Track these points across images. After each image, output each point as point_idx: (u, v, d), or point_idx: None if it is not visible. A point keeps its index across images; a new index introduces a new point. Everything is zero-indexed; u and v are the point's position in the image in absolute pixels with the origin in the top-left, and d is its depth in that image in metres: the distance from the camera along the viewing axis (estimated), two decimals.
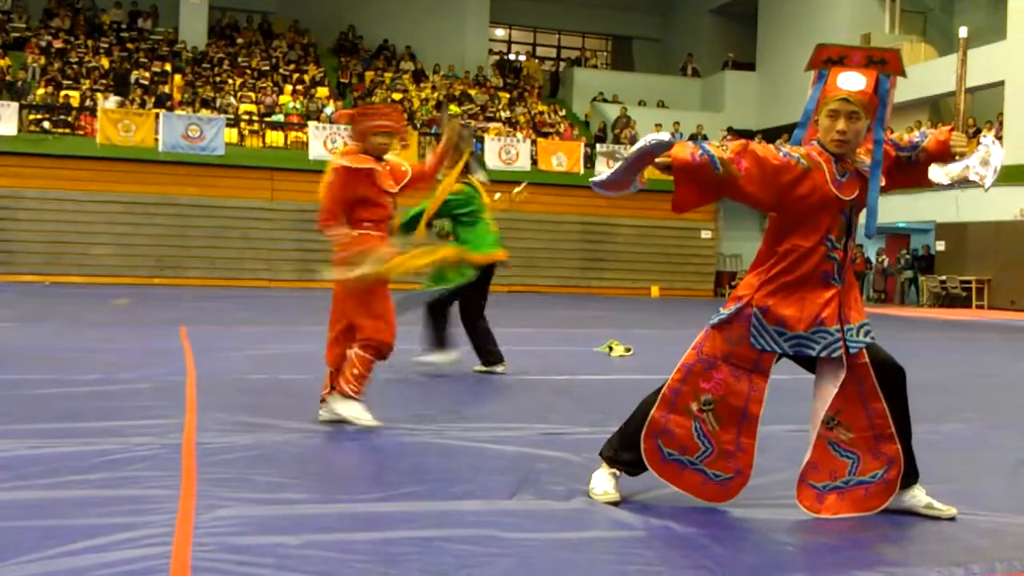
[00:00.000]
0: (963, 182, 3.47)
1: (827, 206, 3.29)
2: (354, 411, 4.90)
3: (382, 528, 3.18)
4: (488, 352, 7.35)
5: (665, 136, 3.18)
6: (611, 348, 9.19)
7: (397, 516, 3.31)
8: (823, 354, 3.34)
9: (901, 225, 26.83)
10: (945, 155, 3.47)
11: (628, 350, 9.14)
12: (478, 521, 3.25)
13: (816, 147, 3.34)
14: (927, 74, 25.59)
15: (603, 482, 3.56)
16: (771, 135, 28.50)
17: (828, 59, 3.40)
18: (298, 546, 2.94)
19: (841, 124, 3.27)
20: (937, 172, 3.45)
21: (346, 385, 4.89)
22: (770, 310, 3.33)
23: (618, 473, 3.58)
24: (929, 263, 25.28)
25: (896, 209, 25.34)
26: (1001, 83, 23.37)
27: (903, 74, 3.34)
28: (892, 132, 3.71)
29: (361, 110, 5.13)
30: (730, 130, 28.96)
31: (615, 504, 3.47)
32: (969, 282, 23.45)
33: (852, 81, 3.31)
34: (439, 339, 7.38)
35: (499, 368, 7.31)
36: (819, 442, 3.48)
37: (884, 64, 3.34)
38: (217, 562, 2.75)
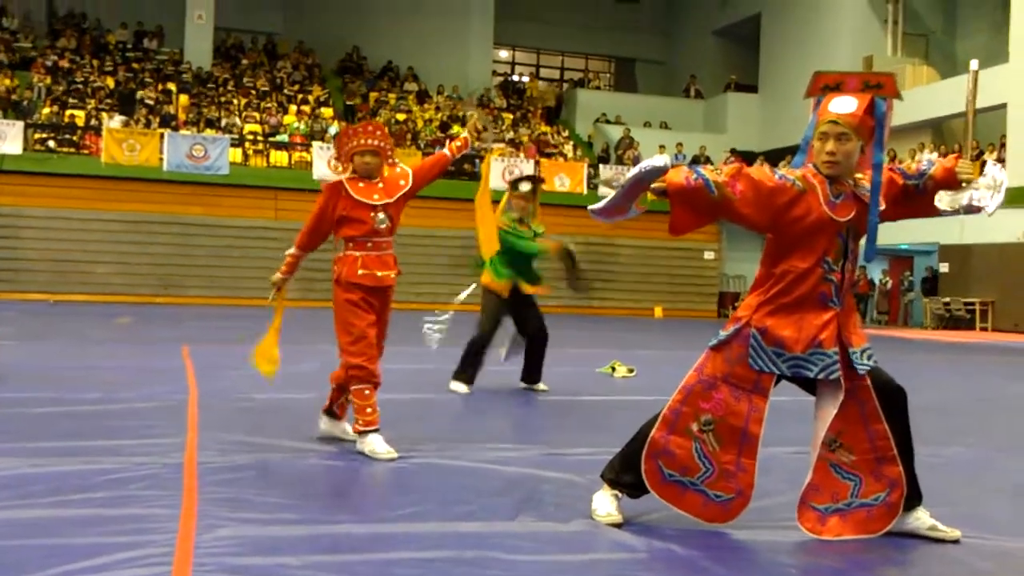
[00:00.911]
0: (969, 209, 3.49)
1: (823, 228, 3.32)
2: (371, 445, 4.70)
3: (383, 549, 3.17)
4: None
5: (660, 161, 3.23)
6: (614, 369, 9.18)
7: (398, 537, 3.30)
8: (820, 376, 3.35)
9: (904, 247, 26.83)
10: (952, 183, 3.51)
11: (631, 371, 9.13)
12: (479, 543, 3.24)
13: (811, 169, 3.39)
14: (930, 97, 25.69)
15: (605, 504, 3.55)
16: (773, 156, 28.56)
17: (825, 86, 3.47)
18: (299, 567, 2.93)
19: (830, 145, 3.33)
20: (944, 200, 3.48)
21: (356, 423, 4.78)
22: (768, 331, 3.34)
23: (620, 495, 3.57)
24: (933, 285, 25.27)
25: (900, 231, 25.32)
26: (1004, 106, 23.42)
27: (899, 96, 3.41)
28: (897, 160, 3.76)
29: (343, 131, 4.96)
30: (733, 151, 29.01)
31: (617, 526, 3.46)
32: (973, 304, 23.43)
33: (842, 104, 3.36)
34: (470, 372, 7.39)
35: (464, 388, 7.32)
36: (820, 464, 3.47)
37: (880, 88, 3.40)
38: None
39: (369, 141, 4.83)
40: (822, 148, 3.35)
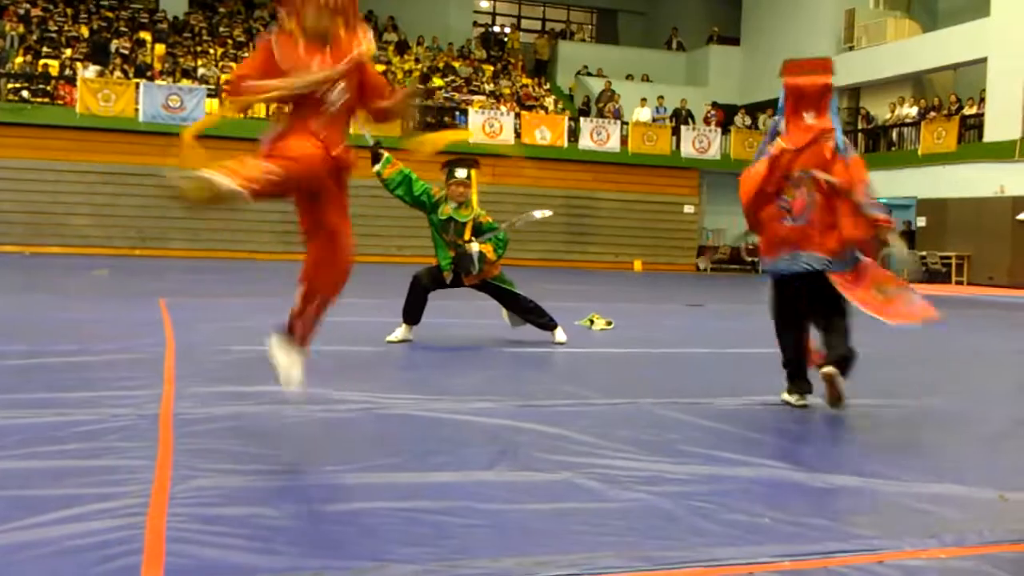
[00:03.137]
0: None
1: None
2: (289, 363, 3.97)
3: (359, 499, 3.18)
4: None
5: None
6: (592, 321, 9.21)
7: (374, 487, 3.31)
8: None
9: (882, 201, 26.89)
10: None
11: (609, 323, 9.15)
12: (454, 492, 3.26)
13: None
14: (911, 50, 25.64)
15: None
16: (754, 109, 28.49)
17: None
18: (275, 517, 2.94)
19: None
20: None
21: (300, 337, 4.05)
22: None
23: None
24: (910, 239, 25.40)
25: (879, 185, 25.38)
26: (984, 60, 23.41)
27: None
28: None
29: None
30: (714, 104, 28.92)
31: None
32: (949, 258, 23.59)
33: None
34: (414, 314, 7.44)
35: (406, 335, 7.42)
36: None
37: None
38: (192, 532, 2.74)
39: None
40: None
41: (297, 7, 3.82)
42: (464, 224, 7.33)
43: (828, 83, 5.07)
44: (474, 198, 7.38)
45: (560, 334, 7.63)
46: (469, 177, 7.30)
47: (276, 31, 3.88)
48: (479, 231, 7.36)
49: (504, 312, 7.72)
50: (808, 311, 5.13)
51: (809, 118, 5.02)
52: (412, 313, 7.41)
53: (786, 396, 5.24)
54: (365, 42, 3.93)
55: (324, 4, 3.80)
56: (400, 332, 7.35)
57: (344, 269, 3.99)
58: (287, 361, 3.95)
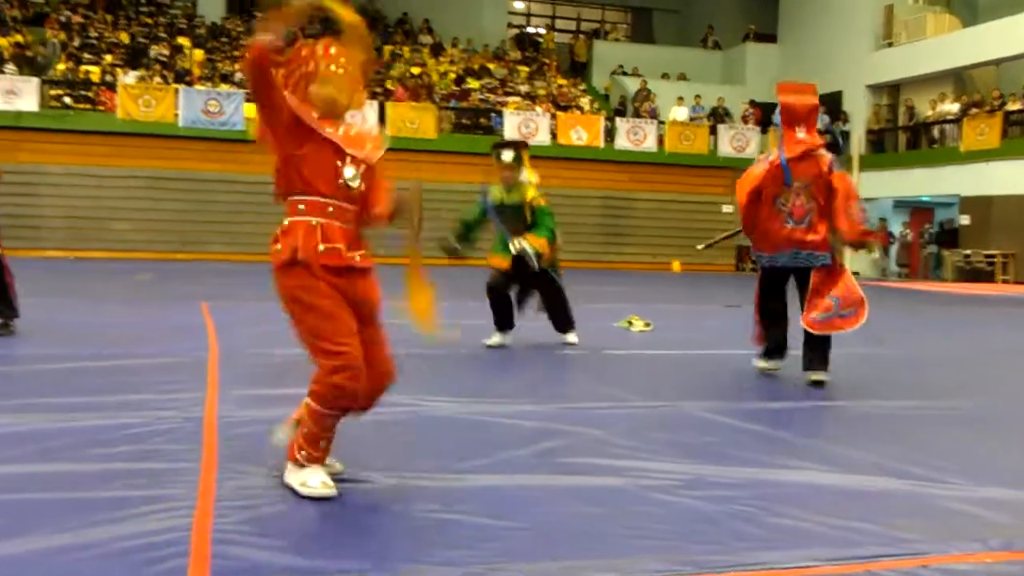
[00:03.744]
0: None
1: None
2: (303, 477, 3.24)
3: (402, 502, 3.20)
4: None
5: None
6: (631, 323, 9.18)
7: (416, 490, 3.33)
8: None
9: (925, 199, 26.58)
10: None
11: (648, 325, 9.12)
12: (495, 495, 3.27)
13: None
14: (951, 46, 25.27)
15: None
16: None
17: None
18: (318, 518, 2.97)
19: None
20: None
21: (297, 451, 3.29)
22: None
23: None
24: (953, 237, 25.06)
25: (920, 182, 25.09)
26: None
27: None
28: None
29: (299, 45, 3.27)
30: (752, 103, 28.69)
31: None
32: (993, 256, 23.23)
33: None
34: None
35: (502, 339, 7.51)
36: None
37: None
38: (237, 534, 2.78)
39: (334, 69, 3.20)
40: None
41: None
42: (518, 208, 7.27)
43: (815, 104, 6.00)
44: (531, 180, 7.31)
45: (573, 336, 7.67)
46: (516, 160, 7.27)
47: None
48: (534, 216, 7.30)
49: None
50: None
51: (800, 133, 5.87)
52: (502, 321, 7.45)
53: (762, 363, 6.25)
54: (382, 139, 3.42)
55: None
56: (496, 338, 7.43)
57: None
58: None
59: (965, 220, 24.38)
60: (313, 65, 3.21)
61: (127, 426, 4.11)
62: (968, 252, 23.68)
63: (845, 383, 5.93)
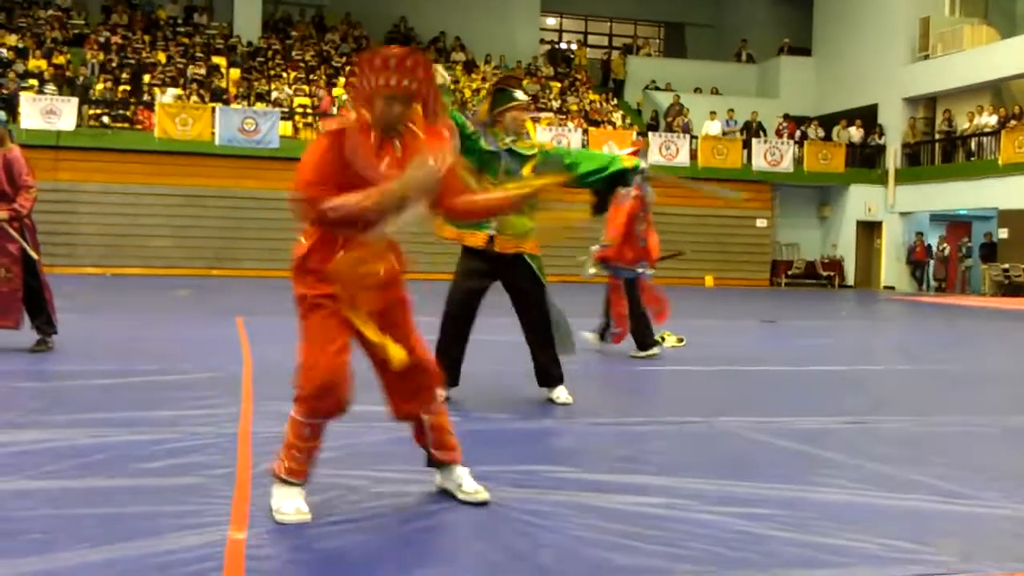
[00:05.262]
0: None
1: None
2: (280, 500, 3.17)
3: (428, 516, 3.19)
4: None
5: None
6: (663, 338, 9.12)
7: (423, 495, 3.32)
8: None
9: (963, 213, 26.26)
10: None
11: (681, 340, 9.06)
12: (521, 513, 3.25)
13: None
14: (989, 57, 24.98)
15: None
16: (828, 121, 28.05)
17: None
18: (350, 535, 2.97)
19: None
20: None
21: (280, 465, 3.29)
22: None
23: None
24: (991, 251, 24.72)
25: (957, 196, 24.78)
26: None
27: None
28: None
29: (365, 58, 3.17)
30: (786, 116, 28.53)
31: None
32: None
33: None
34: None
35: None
36: None
37: None
38: (272, 549, 2.78)
39: (400, 82, 3.11)
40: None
41: (366, 93, 3.15)
42: (526, 158, 5.43)
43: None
44: (532, 134, 5.95)
45: (561, 391, 5.60)
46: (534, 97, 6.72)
47: (338, 122, 3.24)
48: (545, 162, 5.43)
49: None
50: None
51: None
52: (451, 368, 5.39)
53: (655, 351, 8.00)
54: (449, 146, 3.27)
55: (396, 88, 3.12)
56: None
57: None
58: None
59: (1003, 234, 24.04)
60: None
61: (162, 441, 4.14)
62: (1007, 266, 23.34)
63: (879, 399, 5.86)
